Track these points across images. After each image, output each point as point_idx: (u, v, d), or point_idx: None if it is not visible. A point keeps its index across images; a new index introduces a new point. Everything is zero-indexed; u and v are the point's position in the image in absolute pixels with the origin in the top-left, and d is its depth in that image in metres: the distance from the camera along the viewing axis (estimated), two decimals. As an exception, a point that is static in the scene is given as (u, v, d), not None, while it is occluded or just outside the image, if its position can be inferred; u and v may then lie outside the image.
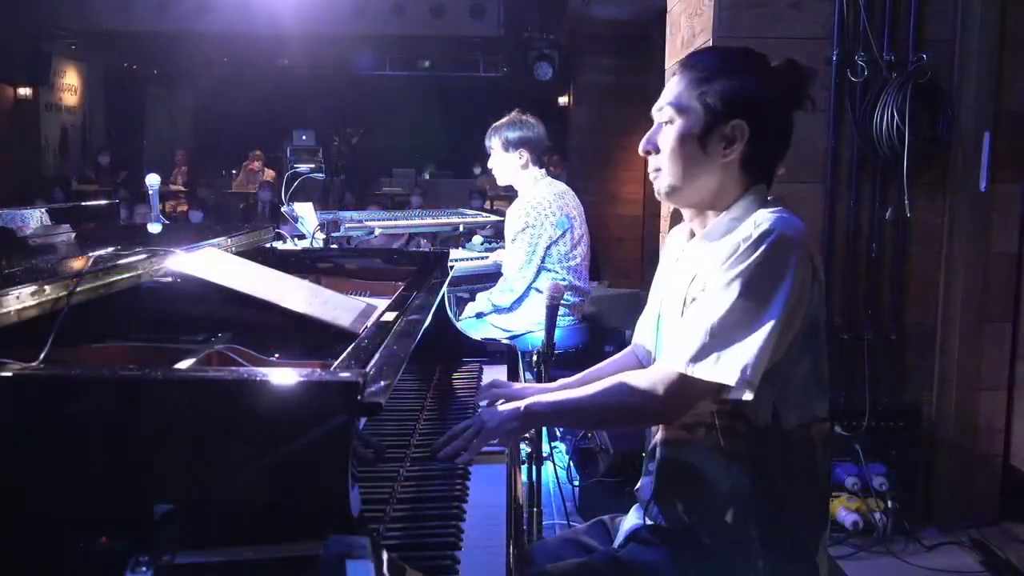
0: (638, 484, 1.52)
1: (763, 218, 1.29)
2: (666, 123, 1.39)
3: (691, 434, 1.37)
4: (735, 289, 1.25)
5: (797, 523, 1.36)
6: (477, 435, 1.40)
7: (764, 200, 1.38)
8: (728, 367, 1.23)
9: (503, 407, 1.45)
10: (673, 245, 1.55)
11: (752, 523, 1.33)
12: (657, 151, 1.40)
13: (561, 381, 1.71)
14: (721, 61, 1.38)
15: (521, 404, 1.42)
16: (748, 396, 1.24)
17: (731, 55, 1.40)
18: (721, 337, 1.24)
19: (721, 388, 1.25)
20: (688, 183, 1.38)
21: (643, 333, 1.64)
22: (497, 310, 3.35)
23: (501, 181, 3.43)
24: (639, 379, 1.33)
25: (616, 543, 1.50)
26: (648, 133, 1.42)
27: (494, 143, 3.31)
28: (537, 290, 3.24)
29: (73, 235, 1.84)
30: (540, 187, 3.33)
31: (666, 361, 1.30)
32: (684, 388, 1.27)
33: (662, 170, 1.40)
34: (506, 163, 3.32)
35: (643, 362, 1.62)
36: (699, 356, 1.25)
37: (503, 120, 3.34)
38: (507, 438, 1.44)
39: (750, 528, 1.33)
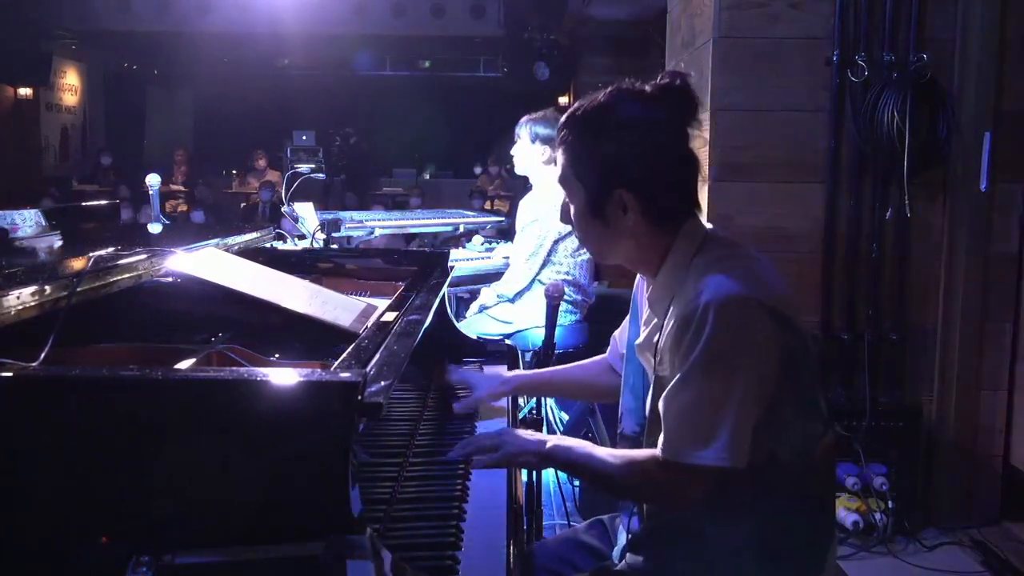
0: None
1: (703, 286, 1.22)
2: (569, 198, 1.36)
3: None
4: (697, 374, 1.21)
5: (801, 546, 1.32)
6: (491, 451, 1.36)
7: (698, 239, 1.31)
8: (717, 451, 1.19)
9: (526, 435, 1.39)
10: (641, 288, 1.49)
11: (754, 565, 1.29)
12: (572, 223, 1.38)
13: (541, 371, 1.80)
14: (586, 126, 1.30)
15: (547, 442, 1.36)
16: (742, 463, 1.20)
17: (596, 114, 1.31)
18: (699, 423, 1.20)
19: (720, 469, 1.21)
20: (608, 251, 1.36)
21: (617, 349, 1.64)
22: (501, 301, 3.38)
23: (519, 170, 3.51)
24: (652, 467, 1.27)
25: (616, 548, 1.49)
26: (562, 204, 1.40)
27: (522, 132, 3.40)
28: (540, 282, 3.28)
29: (60, 243, 1.82)
30: (555, 185, 3.37)
31: (663, 451, 1.25)
32: (688, 475, 1.23)
33: (582, 240, 1.39)
34: (528, 155, 3.40)
35: (616, 371, 1.63)
36: (686, 444, 1.21)
37: (538, 114, 3.41)
38: (519, 467, 1.45)
39: (750, 568, 1.29)
